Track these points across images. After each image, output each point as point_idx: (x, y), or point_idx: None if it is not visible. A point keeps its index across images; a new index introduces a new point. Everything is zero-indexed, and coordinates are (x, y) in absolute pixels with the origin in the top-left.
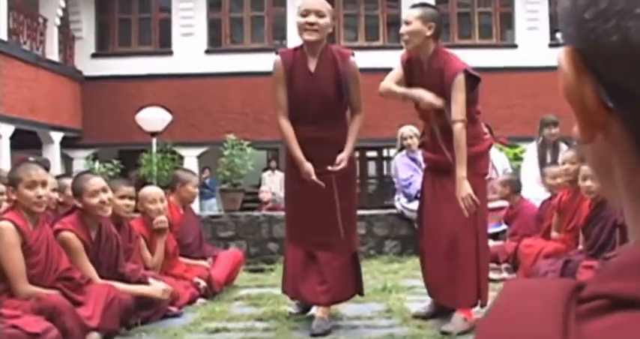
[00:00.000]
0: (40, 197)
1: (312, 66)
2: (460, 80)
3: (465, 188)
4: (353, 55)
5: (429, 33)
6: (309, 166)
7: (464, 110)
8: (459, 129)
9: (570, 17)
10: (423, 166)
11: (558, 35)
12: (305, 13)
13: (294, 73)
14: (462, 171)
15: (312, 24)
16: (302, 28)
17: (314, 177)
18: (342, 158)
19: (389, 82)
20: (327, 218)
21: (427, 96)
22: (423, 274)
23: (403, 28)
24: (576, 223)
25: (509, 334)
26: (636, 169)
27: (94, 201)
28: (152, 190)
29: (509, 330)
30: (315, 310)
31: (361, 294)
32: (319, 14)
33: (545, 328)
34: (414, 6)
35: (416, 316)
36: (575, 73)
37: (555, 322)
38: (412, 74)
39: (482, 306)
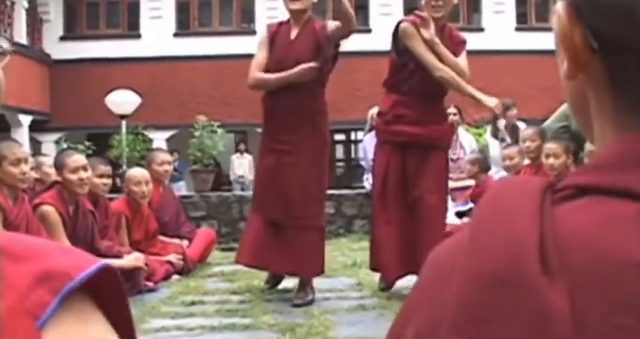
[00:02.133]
0: (24, 174)
1: (293, 34)
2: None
3: (488, 98)
4: None
5: (455, 1)
6: (300, 67)
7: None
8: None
9: None
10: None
11: None
12: None
13: (276, 40)
14: (471, 89)
15: None
16: None
17: (305, 65)
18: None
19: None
20: (292, 191)
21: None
22: (386, 253)
23: None
24: None
25: (498, 210)
26: (606, 101)
27: (74, 177)
28: (137, 173)
29: (498, 207)
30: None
31: (322, 272)
32: None
33: (527, 207)
34: None
35: (383, 289)
36: (569, 21)
37: (534, 202)
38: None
39: None
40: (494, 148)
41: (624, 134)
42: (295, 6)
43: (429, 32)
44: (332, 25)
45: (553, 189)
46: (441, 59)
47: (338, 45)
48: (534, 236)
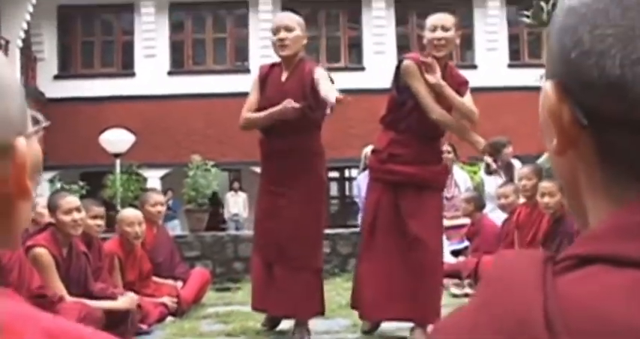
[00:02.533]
0: None
1: (284, 76)
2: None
3: (480, 140)
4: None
5: (457, 41)
6: (284, 103)
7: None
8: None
9: (558, 56)
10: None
11: (543, 73)
12: (275, 31)
13: (268, 82)
14: (469, 131)
15: (282, 39)
16: (275, 45)
17: (294, 104)
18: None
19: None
20: (289, 232)
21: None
22: (366, 290)
23: (442, 34)
24: (533, 238)
25: (502, 283)
26: (596, 175)
27: (67, 218)
28: (130, 213)
29: (501, 281)
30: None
31: (322, 313)
32: (288, 29)
33: (530, 277)
34: (437, 14)
35: (366, 332)
36: (557, 98)
37: (537, 275)
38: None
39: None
40: (490, 185)
41: (619, 206)
42: (284, 53)
43: (436, 76)
44: (320, 76)
45: (553, 260)
46: (444, 102)
47: None
48: (539, 307)
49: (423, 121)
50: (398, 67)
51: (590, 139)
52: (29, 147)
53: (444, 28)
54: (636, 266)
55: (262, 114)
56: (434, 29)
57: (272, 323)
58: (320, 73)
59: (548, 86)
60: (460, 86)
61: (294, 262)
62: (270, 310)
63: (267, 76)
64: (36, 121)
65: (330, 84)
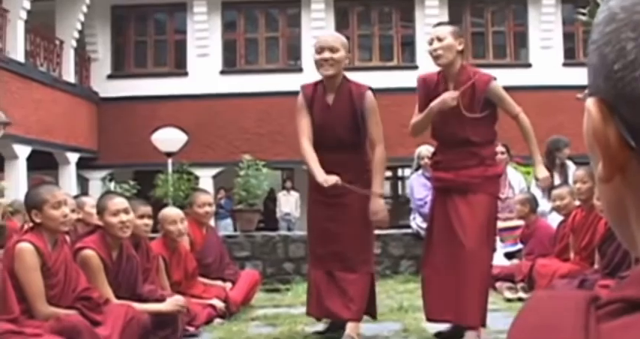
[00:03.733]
0: (65, 216)
1: (329, 99)
2: (496, 85)
3: (543, 170)
4: (370, 89)
5: (459, 48)
6: (325, 177)
7: (514, 104)
8: (523, 117)
9: (599, 70)
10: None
11: (586, 91)
12: (320, 50)
13: (314, 105)
14: (538, 156)
15: (326, 60)
16: (318, 64)
17: (333, 181)
18: (376, 208)
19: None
20: (345, 239)
21: (445, 95)
22: (428, 295)
23: (436, 44)
24: (589, 242)
25: (541, 326)
26: None
27: (114, 220)
28: (172, 212)
29: (541, 323)
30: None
31: (374, 317)
32: (333, 50)
33: (571, 323)
34: (439, 24)
35: (438, 335)
36: (602, 118)
37: (578, 319)
38: (437, 95)
39: (483, 325)
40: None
41: None
42: (328, 72)
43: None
44: (370, 111)
45: (597, 303)
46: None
47: None
48: None
49: (445, 127)
50: None
51: (639, 163)
52: None
53: (439, 39)
54: None
55: (314, 167)
56: (430, 42)
57: (327, 329)
58: (370, 106)
59: (590, 104)
60: (482, 86)
61: (353, 267)
62: (333, 315)
63: (312, 98)
64: None
65: (378, 127)
